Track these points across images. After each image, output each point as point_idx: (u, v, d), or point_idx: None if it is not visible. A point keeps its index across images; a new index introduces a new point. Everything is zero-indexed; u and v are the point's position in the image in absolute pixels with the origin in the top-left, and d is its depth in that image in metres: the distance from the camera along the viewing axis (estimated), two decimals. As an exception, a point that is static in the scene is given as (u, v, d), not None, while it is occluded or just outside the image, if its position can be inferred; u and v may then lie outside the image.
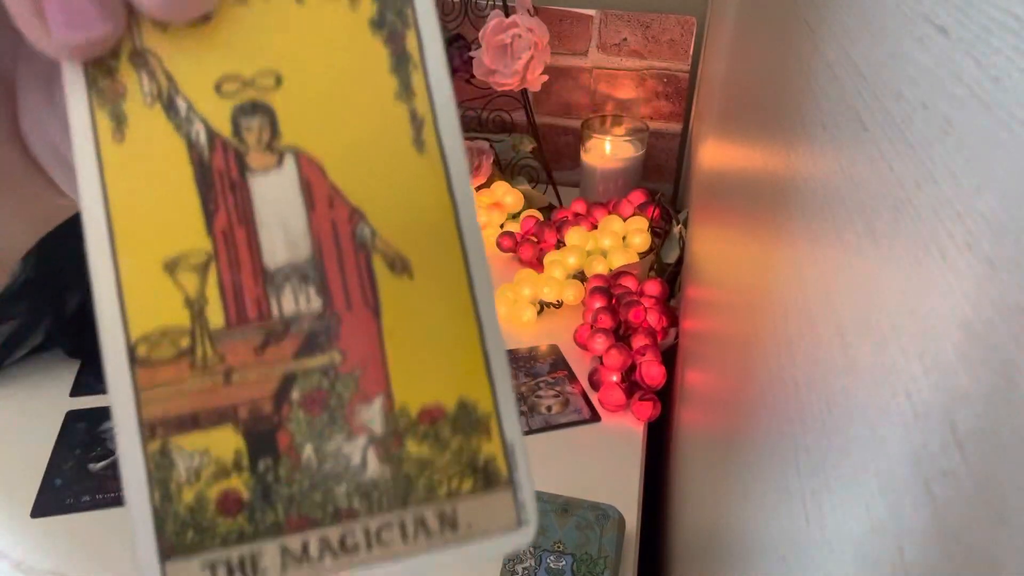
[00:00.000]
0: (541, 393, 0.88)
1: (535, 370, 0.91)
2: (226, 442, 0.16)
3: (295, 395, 0.16)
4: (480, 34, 1.05)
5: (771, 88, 0.46)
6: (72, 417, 0.82)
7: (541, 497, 0.70)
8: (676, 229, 1.06)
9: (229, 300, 0.16)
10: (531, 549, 0.67)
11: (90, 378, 0.87)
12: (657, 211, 1.10)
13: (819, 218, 0.30)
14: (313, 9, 0.17)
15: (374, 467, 0.16)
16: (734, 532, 0.43)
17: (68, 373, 0.87)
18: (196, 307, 0.16)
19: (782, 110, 0.41)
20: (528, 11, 1.04)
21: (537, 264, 1.06)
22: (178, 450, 0.15)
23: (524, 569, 0.66)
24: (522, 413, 0.85)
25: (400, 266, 0.17)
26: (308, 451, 0.16)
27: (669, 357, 0.91)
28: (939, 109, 0.19)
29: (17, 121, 0.21)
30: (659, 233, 1.08)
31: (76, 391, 0.85)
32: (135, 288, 0.16)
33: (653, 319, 0.92)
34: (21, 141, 0.21)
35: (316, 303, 0.16)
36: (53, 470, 0.75)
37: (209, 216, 0.16)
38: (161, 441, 0.15)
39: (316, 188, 0.17)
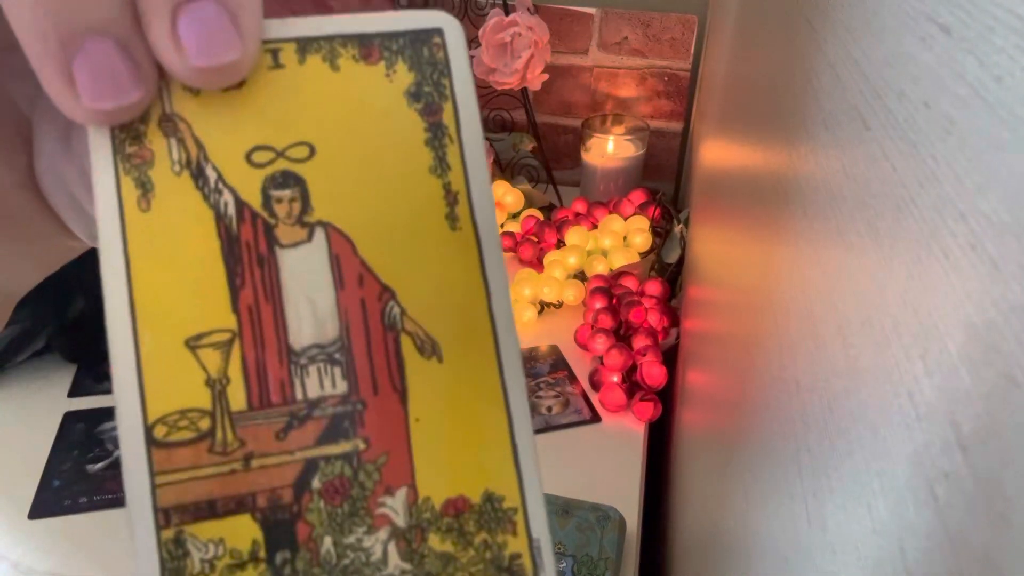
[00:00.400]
0: (541, 393, 0.88)
1: (535, 370, 0.91)
2: (243, 532, 0.15)
3: (316, 483, 0.15)
4: (480, 33, 1.05)
5: (772, 88, 0.46)
6: (70, 418, 0.82)
7: (541, 497, 0.70)
8: (677, 229, 1.06)
9: (252, 381, 0.15)
10: (531, 549, 0.67)
11: (88, 379, 0.87)
12: (658, 210, 1.09)
13: (821, 218, 0.30)
14: (348, 77, 0.17)
15: (395, 563, 0.15)
16: (735, 533, 0.43)
17: (66, 374, 0.87)
18: (217, 387, 0.15)
19: (784, 110, 0.41)
20: (528, 9, 1.04)
21: (537, 264, 1.06)
22: (193, 539, 0.15)
23: (524, 569, 0.65)
24: (522, 413, 0.85)
25: (429, 349, 0.16)
26: (327, 544, 0.15)
27: (670, 357, 0.91)
28: (941, 108, 0.19)
29: (32, 166, 0.20)
30: (660, 233, 1.08)
31: (74, 392, 0.85)
32: (155, 366, 0.15)
33: (654, 319, 0.92)
34: (35, 185, 0.20)
35: (342, 386, 0.16)
36: (51, 471, 0.75)
37: (235, 292, 0.16)
38: (176, 529, 0.15)
39: (346, 265, 0.16)
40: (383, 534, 0.15)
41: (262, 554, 0.15)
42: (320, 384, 0.16)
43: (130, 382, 0.15)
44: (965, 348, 0.16)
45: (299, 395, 0.16)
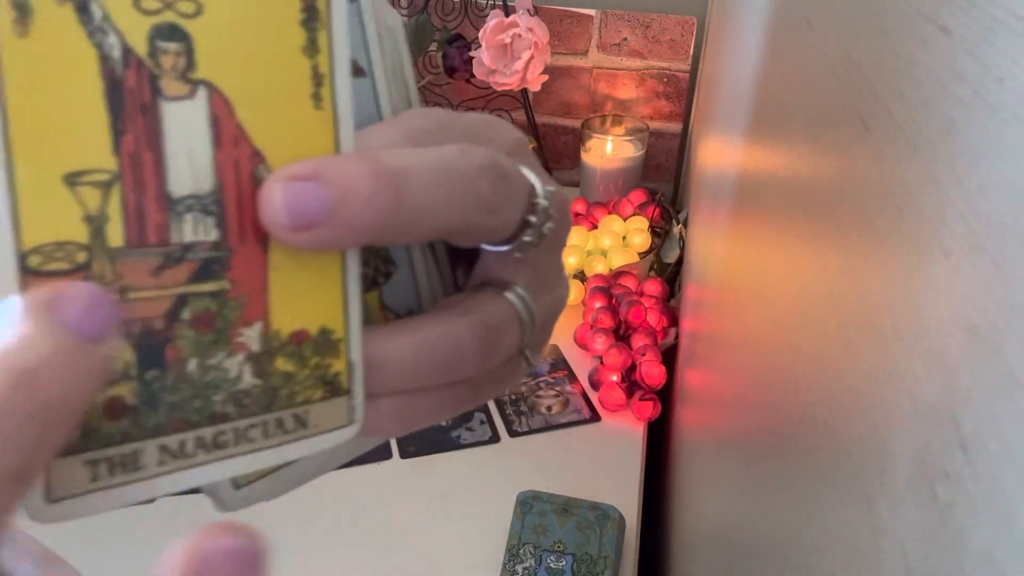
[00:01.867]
0: (541, 393, 0.88)
1: (535, 370, 0.91)
2: (116, 354, 0.17)
3: (186, 315, 0.17)
4: (480, 34, 1.05)
5: (772, 89, 0.46)
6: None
7: (541, 497, 0.70)
8: (676, 229, 1.06)
9: (131, 221, 0.17)
10: (531, 549, 0.67)
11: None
12: (657, 211, 1.10)
13: (821, 218, 0.30)
14: None
15: (248, 379, 0.18)
16: (735, 532, 0.43)
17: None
18: (95, 224, 0.16)
19: (784, 111, 0.41)
20: (528, 11, 1.04)
21: (537, 264, 1.06)
22: None
23: (524, 569, 0.65)
24: (522, 413, 0.85)
25: None
26: (193, 364, 0.18)
27: (669, 357, 0.91)
28: (942, 109, 0.19)
29: None
30: (659, 233, 1.08)
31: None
32: (31, 197, 0.15)
33: (653, 319, 0.92)
34: None
35: (214, 234, 0.17)
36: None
37: (117, 135, 0.16)
38: None
39: (224, 126, 0.17)
40: (240, 357, 0.18)
41: (133, 372, 0.17)
42: (194, 231, 0.17)
43: (4, 211, 0.15)
44: (966, 348, 0.16)
45: (175, 238, 0.17)
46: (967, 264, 0.17)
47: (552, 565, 0.66)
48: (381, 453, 0.79)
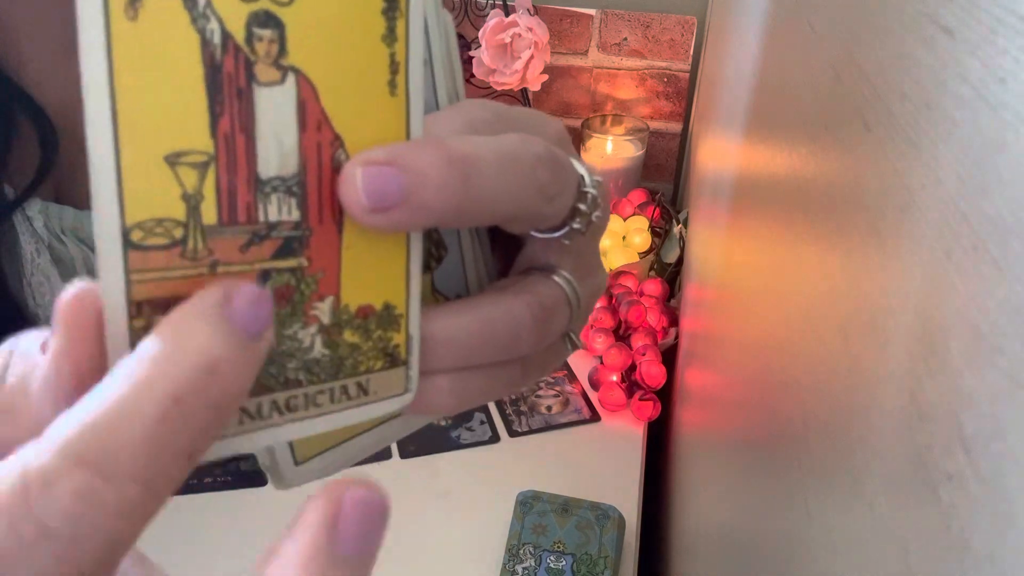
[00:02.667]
0: (541, 393, 0.88)
1: (535, 370, 0.91)
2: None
3: (268, 289, 0.18)
4: (480, 33, 1.05)
5: (773, 89, 0.46)
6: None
7: (541, 497, 0.70)
8: (676, 229, 1.06)
9: (223, 201, 0.17)
10: (531, 549, 0.67)
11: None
12: (657, 211, 1.10)
13: (822, 218, 0.30)
14: None
15: (318, 349, 0.20)
16: (735, 532, 0.43)
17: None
18: (192, 202, 0.17)
19: (785, 111, 0.41)
20: (528, 10, 1.04)
21: (537, 264, 1.06)
22: None
23: (524, 569, 0.65)
24: (522, 413, 0.85)
25: None
26: (271, 334, 0.19)
27: (669, 357, 0.91)
28: (944, 110, 0.19)
29: None
30: (659, 233, 1.08)
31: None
32: (135, 176, 0.16)
33: (653, 319, 0.92)
34: None
35: (296, 214, 0.18)
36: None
37: (215, 118, 0.17)
38: (147, 320, 0.17)
39: (310, 110, 0.18)
40: (313, 329, 0.19)
41: None
42: (279, 211, 0.18)
43: (110, 189, 0.16)
44: (968, 349, 0.16)
45: (261, 217, 0.18)
46: (969, 265, 0.16)
47: (552, 565, 0.66)
48: (381, 453, 0.79)
